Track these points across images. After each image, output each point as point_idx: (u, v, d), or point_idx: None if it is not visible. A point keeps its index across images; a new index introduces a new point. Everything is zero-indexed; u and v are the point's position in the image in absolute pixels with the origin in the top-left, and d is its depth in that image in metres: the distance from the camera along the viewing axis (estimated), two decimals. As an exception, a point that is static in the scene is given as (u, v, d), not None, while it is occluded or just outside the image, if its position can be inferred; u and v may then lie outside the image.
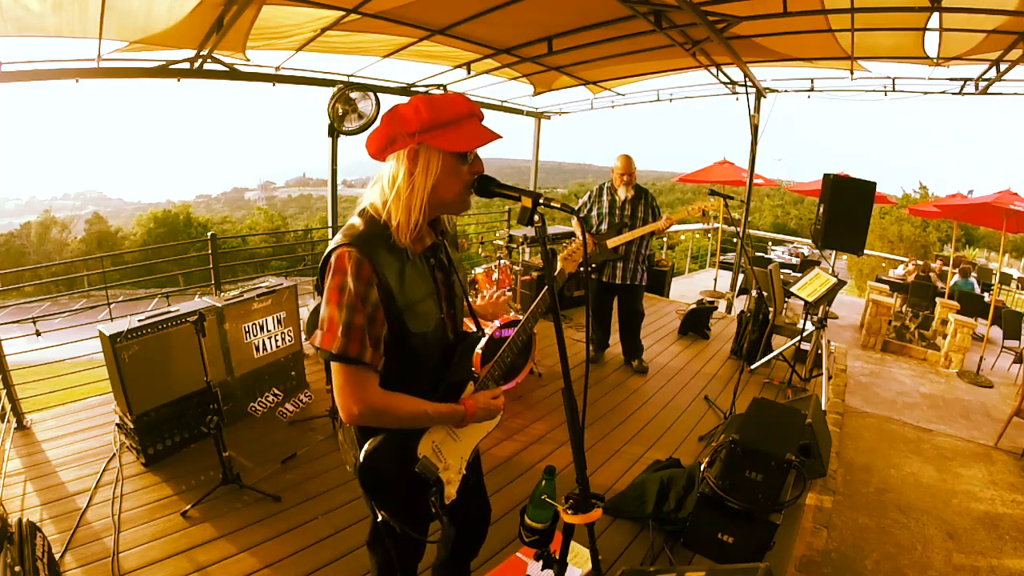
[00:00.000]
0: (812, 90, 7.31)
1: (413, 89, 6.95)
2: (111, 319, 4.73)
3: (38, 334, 4.38)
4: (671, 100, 8.48)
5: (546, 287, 1.71)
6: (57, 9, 3.59)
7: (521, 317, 1.98)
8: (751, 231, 8.94)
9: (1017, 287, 12.73)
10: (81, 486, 3.47)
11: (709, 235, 15.19)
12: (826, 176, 5.90)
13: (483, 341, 1.91)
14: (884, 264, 15.71)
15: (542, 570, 1.60)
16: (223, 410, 3.66)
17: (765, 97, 7.56)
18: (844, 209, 5.66)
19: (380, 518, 1.66)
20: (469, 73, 6.71)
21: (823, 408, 4.78)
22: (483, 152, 1.61)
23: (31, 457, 3.81)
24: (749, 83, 7.11)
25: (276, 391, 4.64)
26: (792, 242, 19.70)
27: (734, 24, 4.91)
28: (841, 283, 5.44)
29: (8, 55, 3.85)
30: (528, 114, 9.30)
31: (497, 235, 7.54)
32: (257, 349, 4.50)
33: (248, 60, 5.17)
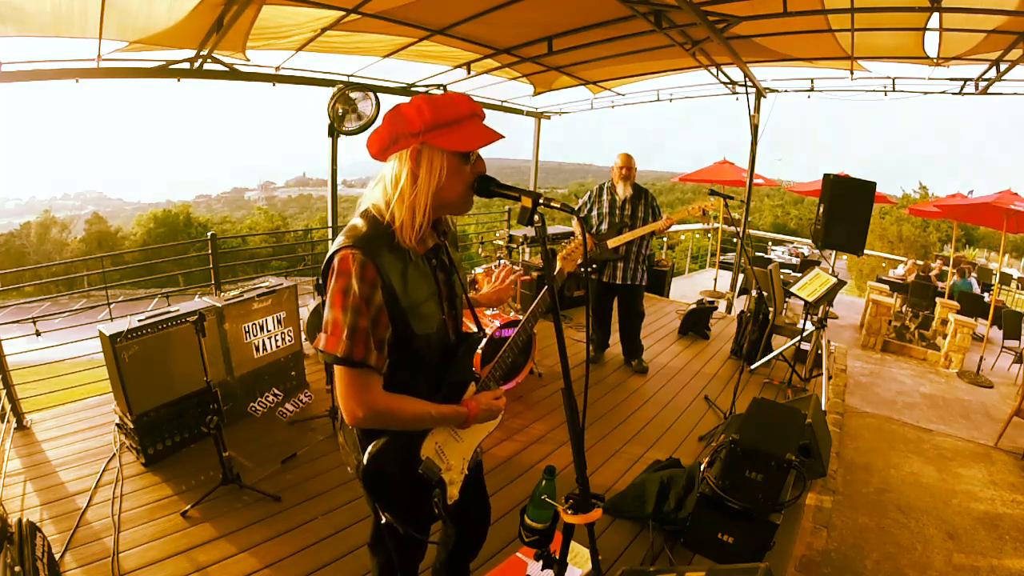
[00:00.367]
0: (812, 90, 7.31)
1: (413, 89, 6.95)
2: (111, 319, 4.73)
3: (38, 334, 4.38)
4: (671, 100, 8.49)
5: (546, 287, 1.71)
6: (57, 9, 3.59)
7: (521, 317, 1.98)
8: (751, 231, 8.95)
9: (1017, 287, 12.72)
10: (81, 486, 3.47)
11: (709, 235, 15.20)
12: (826, 176, 5.91)
13: (484, 341, 1.91)
14: (884, 264, 15.72)
15: (542, 570, 1.60)
16: (223, 410, 3.66)
17: (765, 97, 7.56)
18: (844, 209, 5.66)
19: (383, 520, 1.66)
20: (469, 73, 6.71)
21: (823, 408, 4.79)
22: (483, 152, 1.61)
23: (31, 457, 3.81)
24: (749, 83, 7.11)
25: (276, 391, 4.64)
26: (792, 242, 19.70)
27: (734, 24, 4.91)
28: (841, 283, 5.44)
29: (8, 55, 3.85)
30: (528, 114, 9.31)
31: (497, 235, 7.54)
32: (257, 349, 4.50)
33: (248, 60, 5.17)
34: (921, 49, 5.38)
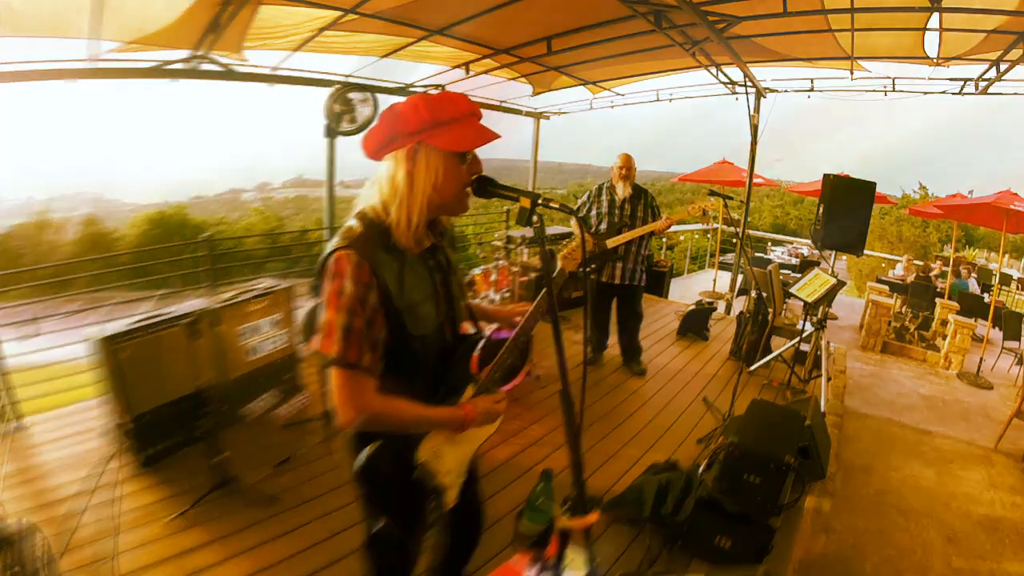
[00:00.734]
0: (812, 90, 7.31)
1: (411, 89, 6.94)
2: (107, 321, 4.71)
3: (36, 335, 4.37)
4: (671, 100, 8.49)
5: (544, 289, 1.70)
6: (53, 9, 3.58)
7: (519, 319, 1.96)
8: (751, 231, 8.94)
9: (1017, 288, 12.71)
10: (79, 488, 3.46)
11: (708, 236, 15.19)
12: (826, 176, 5.90)
13: (482, 343, 1.90)
14: (884, 264, 15.71)
15: (538, 574, 1.59)
16: (218, 412, 3.65)
17: (765, 97, 7.56)
18: (844, 209, 5.65)
19: (380, 524, 1.65)
20: (468, 73, 6.71)
21: (822, 410, 4.78)
22: (481, 152, 1.60)
23: (29, 459, 3.80)
24: (749, 83, 7.11)
25: (271, 394, 4.62)
26: (792, 242, 19.69)
27: (734, 24, 4.91)
28: (840, 284, 5.43)
29: (4, 55, 3.84)
30: (527, 114, 9.30)
31: (495, 236, 7.53)
32: (253, 351, 4.48)
33: (245, 60, 5.16)
34: (921, 49, 5.38)
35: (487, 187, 1.57)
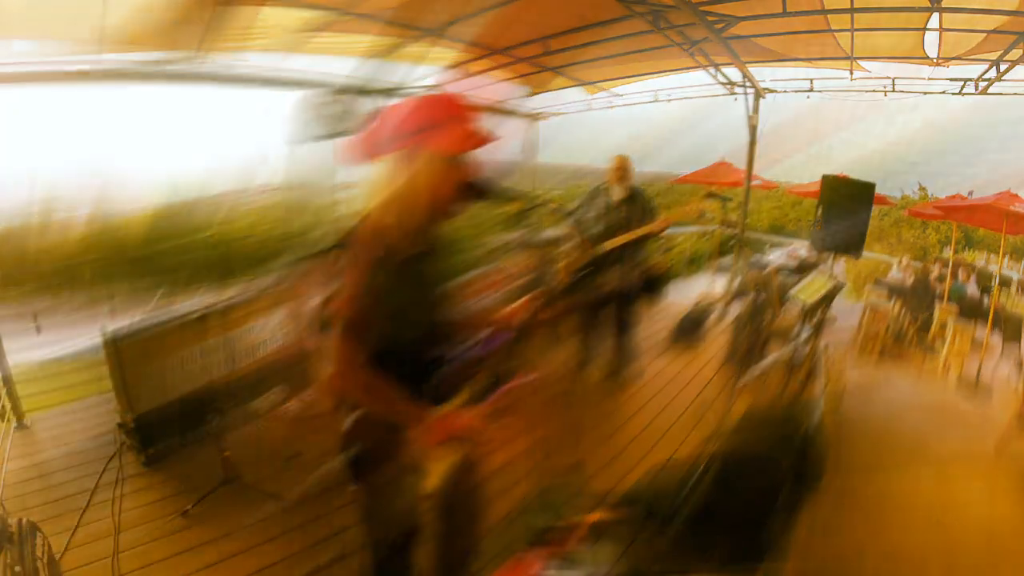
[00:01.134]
0: (811, 90, 7.31)
1: (407, 90, 6.93)
2: (112, 317, 4.72)
3: (39, 332, 4.37)
4: (669, 101, 8.47)
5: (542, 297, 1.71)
6: (54, 10, 3.59)
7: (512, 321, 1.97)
8: (749, 233, 8.93)
9: (1017, 290, 12.69)
10: (81, 486, 3.46)
11: (706, 238, 15.18)
12: (825, 177, 5.89)
13: (473, 349, 1.92)
14: (883, 267, 15.70)
15: (547, 570, 1.60)
16: (224, 408, 3.65)
17: (764, 97, 7.56)
18: (843, 211, 5.64)
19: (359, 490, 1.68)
20: (464, 74, 6.70)
21: (820, 414, 4.77)
22: (477, 154, 1.61)
23: (31, 457, 3.80)
24: (747, 83, 7.11)
25: (278, 389, 4.62)
26: (790, 244, 19.63)
27: (733, 24, 4.92)
28: (839, 286, 5.42)
29: (5, 55, 3.85)
30: (524, 115, 9.29)
31: (491, 238, 7.52)
32: (259, 347, 4.49)
33: (242, 61, 5.16)
34: (921, 49, 5.39)
35: (483, 189, 1.58)
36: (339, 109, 5.49)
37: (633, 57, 6.29)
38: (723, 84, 7.18)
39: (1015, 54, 4.97)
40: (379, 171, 1.57)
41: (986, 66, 5.59)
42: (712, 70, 6.63)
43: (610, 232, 5.12)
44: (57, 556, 2.79)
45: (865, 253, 5.37)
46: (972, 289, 11.22)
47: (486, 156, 1.61)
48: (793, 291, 5.36)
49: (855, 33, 5.09)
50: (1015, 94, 6.06)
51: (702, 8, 4.56)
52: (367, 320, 1.55)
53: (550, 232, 7.29)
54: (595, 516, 1.43)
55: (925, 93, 6.61)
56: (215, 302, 4.18)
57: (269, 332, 4.55)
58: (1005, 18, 4.35)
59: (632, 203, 5.17)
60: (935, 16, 4.50)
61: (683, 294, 11.01)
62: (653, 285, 9.03)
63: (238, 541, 3.05)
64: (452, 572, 2.39)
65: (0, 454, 3.68)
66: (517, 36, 5.65)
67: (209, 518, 3.22)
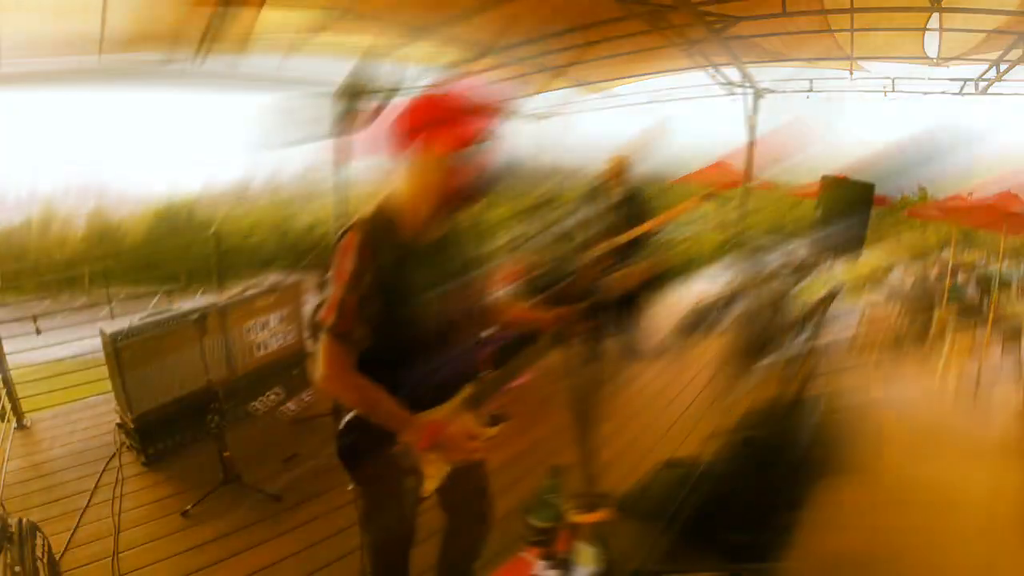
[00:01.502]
0: (811, 90, 7.30)
1: (409, 89, 6.91)
2: (112, 317, 4.71)
3: (38, 333, 4.36)
4: (668, 101, 8.47)
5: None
6: (56, 9, 3.59)
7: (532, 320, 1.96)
8: (749, 233, 8.93)
9: (1017, 291, 12.66)
10: (81, 486, 3.46)
11: (707, 236, 15.17)
12: (824, 178, 5.87)
13: (491, 342, 1.93)
14: (882, 268, 15.68)
15: (547, 570, 1.60)
16: (224, 409, 3.66)
17: (763, 97, 7.55)
18: (842, 211, 5.63)
19: (350, 488, 1.70)
20: (465, 74, 6.69)
21: (833, 408, 4.77)
22: (476, 153, 1.62)
23: (31, 457, 3.80)
24: (747, 83, 7.11)
25: (278, 390, 4.61)
26: (790, 245, 19.60)
27: (732, 24, 4.91)
28: (839, 287, 5.43)
29: (6, 54, 3.85)
30: (526, 116, 9.28)
31: (500, 233, 7.52)
32: (259, 347, 4.49)
33: (245, 61, 5.16)
34: (921, 49, 5.38)
35: (485, 188, 1.59)
36: (339, 109, 5.48)
37: (633, 57, 6.29)
38: (722, 84, 7.17)
39: (1015, 54, 4.96)
40: (380, 170, 1.59)
41: (986, 66, 5.59)
42: (711, 70, 6.62)
43: (612, 231, 5.13)
44: (57, 556, 2.79)
45: (865, 254, 5.34)
46: (972, 290, 11.19)
47: (487, 155, 1.61)
48: (793, 291, 5.36)
49: (855, 33, 5.09)
50: (1015, 94, 6.05)
51: (701, 8, 4.56)
52: (358, 322, 1.58)
53: (553, 230, 7.32)
54: (595, 516, 1.42)
55: (925, 93, 6.61)
56: (215, 302, 4.18)
57: (268, 332, 4.54)
58: (1005, 18, 4.35)
59: (632, 203, 5.18)
60: (935, 16, 4.50)
61: (683, 294, 11.05)
62: (657, 282, 9.06)
63: (238, 541, 3.05)
64: (453, 573, 2.39)
65: (0, 454, 3.67)
66: (517, 35, 5.64)
67: (209, 518, 3.21)
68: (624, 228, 5.13)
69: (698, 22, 4.55)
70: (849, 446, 5.05)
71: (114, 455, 3.79)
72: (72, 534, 3.01)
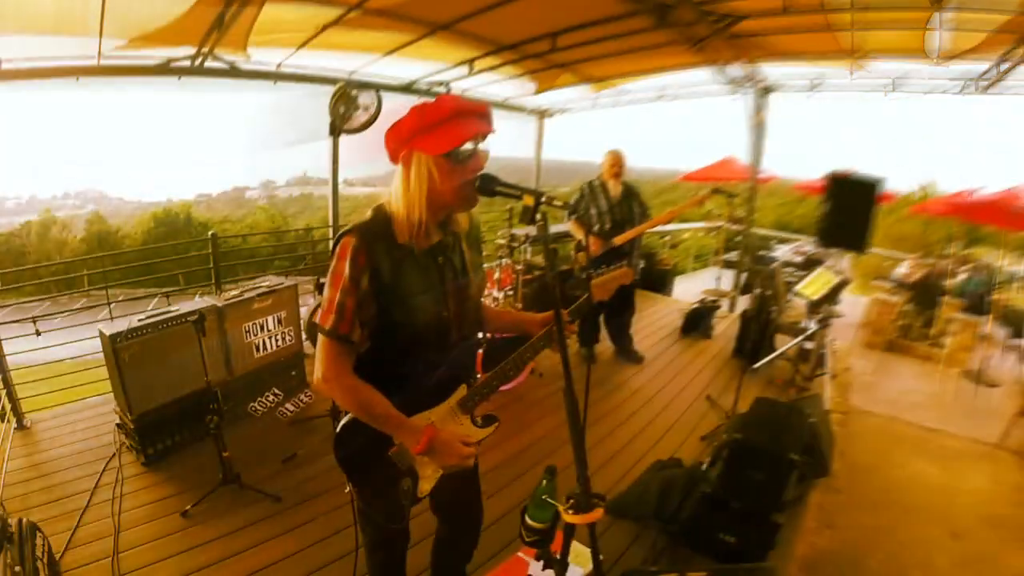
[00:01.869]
0: (814, 88, 7.28)
1: (415, 87, 6.91)
2: (111, 319, 4.72)
3: (38, 334, 4.37)
4: (674, 98, 8.46)
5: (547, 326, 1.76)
6: (58, 6, 3.58)
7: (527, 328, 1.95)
8: (754, 229, 8.90)
9: (1021, 286, 12.63)
10: (81, 486, 3.47)
11: (712, 233, 15.16)
12: (829, 173, 5.86)
13: (485, 344, 1.91)
14: (888, 262, 15.65)
15: (543, 570, 1.59)
16: (223, 410, 3.66)
17: (767, 95, 7.53)
18: (848, 206, 5.60)
19: (353, 497, 1.82)
20: (471, 70, 6.68)
21: (826, 407, 4.76)
22: (478, 153, 1.64)
23: (31, 457, 3.81)
24: (751, 81, 7.08)
25: (276, 391, 4.62)
26: (796, 240, 19.56)
27: (736, 22, 4.89)
28: (845, 281, 5.41)
29: (7, 53, 3.84)
30: (530, 112, 9.28)
31: (499, 234, 7.51)
32: (257, 349, 4.50)
33: (249, 58, 5.15)
34: (923, 48, 5.35)
35: (490, 185, 1.60)
36: (341, 108, 5.48)
37: (638, 54, 6.25)
38: (727, 81, 7.15)
39: (1018, 53, 4.93)
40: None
41: (988, 65, 5.55)
42: (716, 67, 6.60)
43: (617, 227, 5.14)
44: (57, 556, 2.80)
45: (870, 249, 5.33)
46: (976, 285, 11.17)
47: (480, 159, 1.64)
48: (799, 287, 5.35)
49: (855, 31, 5.06)
50: (1016, 94, 6.01)
51: (704, 7, 4.54)
52: (355, 325, 1.62)
53: (558, 228, 7.33)
54: (590, 517, 1.41)
55: (926, 92, 6.57)
56: (214, 302, 4.19)
57: (267, 334, 4.55)
58: (1008, 17, 4.32)
59: (631, 198, 5.20)
60: (936, 15, 4.47)
61: (689, 290, 11.04)
62: (660, 280, 9.05)
63: (238, 541, 3.06)
64: (450, 572, 2.40)
65: (0, 454, 3.68)
66: (524, 32, 5.62)
67: (209, 518, 3.23)
68: (630, 223, 5.14)
69: (700, 19, 4.53)
70: (851, 442, 5.05)
71: (114, 455, 3.80)
72: (72, 534, 3.02)
